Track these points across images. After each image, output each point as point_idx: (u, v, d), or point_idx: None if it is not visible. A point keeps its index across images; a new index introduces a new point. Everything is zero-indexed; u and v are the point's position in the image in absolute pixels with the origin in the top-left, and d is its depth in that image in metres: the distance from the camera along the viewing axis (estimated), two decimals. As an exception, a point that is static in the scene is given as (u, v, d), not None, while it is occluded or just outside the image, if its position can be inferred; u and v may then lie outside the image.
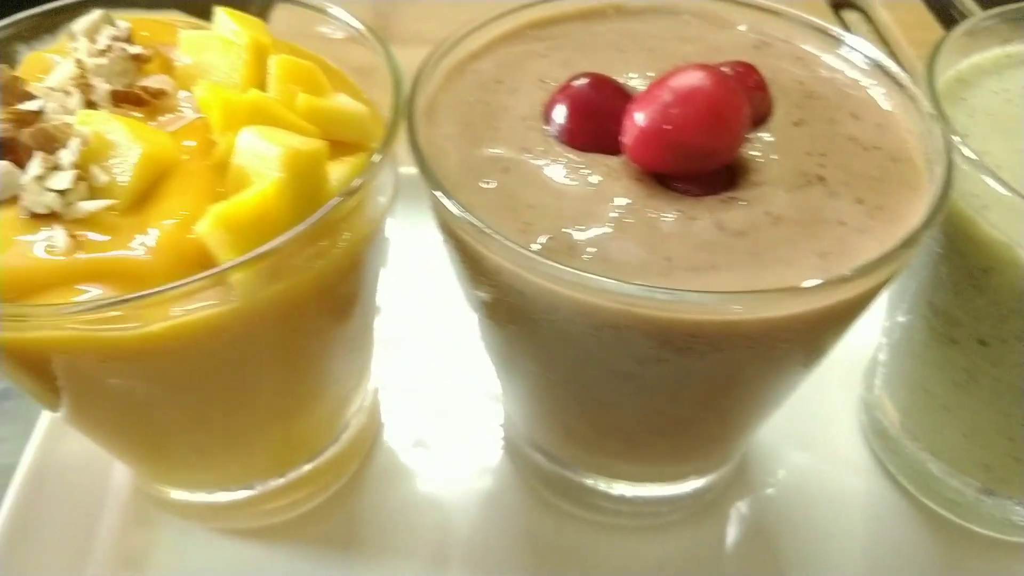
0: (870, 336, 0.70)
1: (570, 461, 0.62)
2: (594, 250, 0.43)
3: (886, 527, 0.67)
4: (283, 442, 0.60)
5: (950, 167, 0.46)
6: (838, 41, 0.57)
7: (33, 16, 0.57)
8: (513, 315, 0.47)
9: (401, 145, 0.49)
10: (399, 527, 0.66)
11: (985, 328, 0.52)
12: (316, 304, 0.49)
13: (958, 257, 0.52)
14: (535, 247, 0.43)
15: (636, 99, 0.47)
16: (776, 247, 0.44)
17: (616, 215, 0.45)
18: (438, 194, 0.44)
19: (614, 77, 0.54)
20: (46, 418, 0.68)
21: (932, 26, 1.17)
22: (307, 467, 0.64)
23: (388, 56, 0.53)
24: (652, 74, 0.54)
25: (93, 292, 0.41)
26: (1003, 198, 0.48)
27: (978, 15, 0.60)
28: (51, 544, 0.62)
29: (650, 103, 0.46)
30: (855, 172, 0.48)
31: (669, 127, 0.45)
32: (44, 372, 0.46)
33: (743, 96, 0.46)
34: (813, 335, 0.45)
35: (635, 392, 0.48)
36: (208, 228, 0.41)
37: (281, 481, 0.63)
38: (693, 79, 0.45)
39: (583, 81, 0.51)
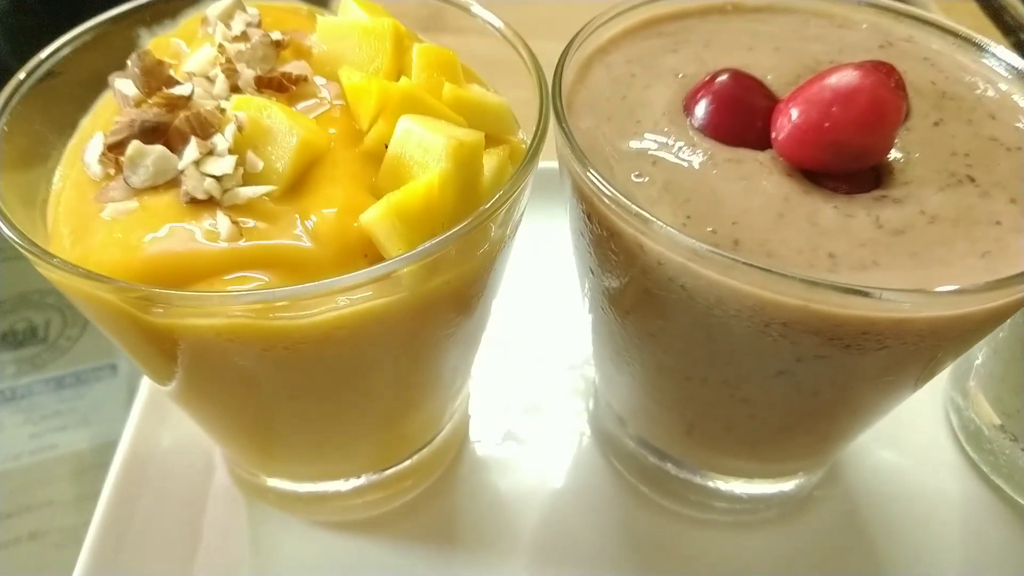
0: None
1: (679, 457, 0.62)
2: (758, 245, 0.43)
3: (981, 526, 0.67)
4: (389, 438, 0.59)
5: (1104, 170, 0.46)
6: (967, 41, 0.57)
7: (155, 1, 0.56)
8: (659, 310, 0.46)
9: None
10: (495, 520, 0.66)
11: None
12: (456, 300, 0.49)
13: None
14: (700, 240, 0.43)
15: (792, 95, 0.47)
16: (934, 246, 0.44)
17: (776, 210, 0.45)
18: (597, 181, 0.43)
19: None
20: (140, 403, 0.67)
21: (989, 29, 1.17)
22: (407, 462, 0.63)
23: (526, 49, 0.53)
24: (783, 72, 0.54)
25: (257, 279, 0.41)
26: None
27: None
28: (149, 533, 0.61)
29: (808, 100, 0.45)
30: (1003, 172, 0.48)
31: (828, 124, 0.44)
32: (186, 354, 0.45)
33: (901, 96, 0.46)
34: (973, 333, 0.45)
35: (781, 389, 0.48)
36: (379, 218, 0.41)
37: (381, 475, 0.63)
38: (852, 78, 0.45)
39: (726, 76, 0.50)
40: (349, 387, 0.50)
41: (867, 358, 0.43)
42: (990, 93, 0.55)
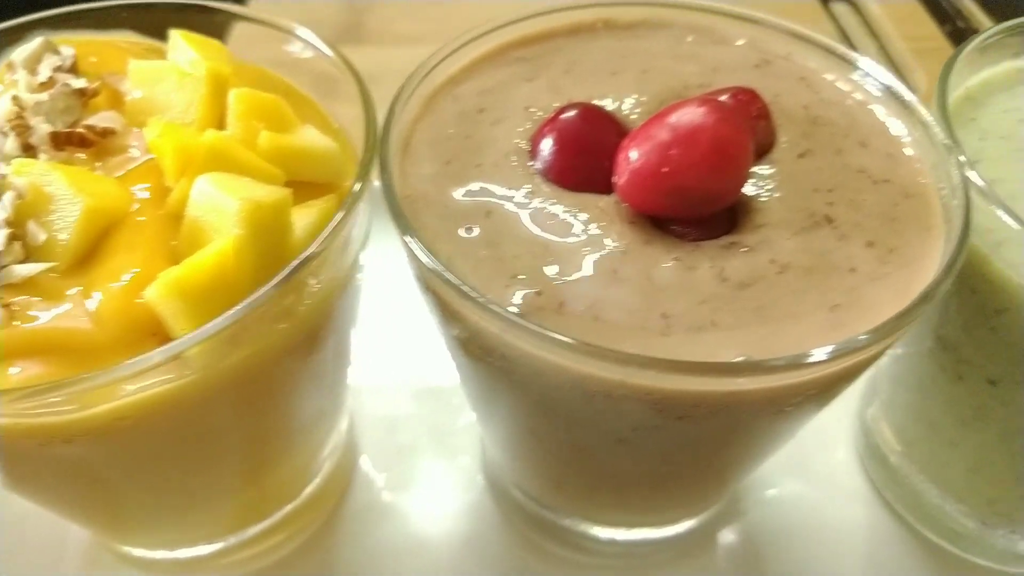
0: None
1: (557, 507, 0.59)
2: (586, 308, 0.39)
3: (883, 558, 0.65)
4: (252, 497, 0.56)
5: (968, 206, 0.43)
6: (843, 59, 0.53)
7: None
8: (496, 375, 0.43)
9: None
10: (378, 570, 0.63)
11: (997, 369, 0.49)
12: (284, 363, 0.45)
13: (971, 295, 0.49)
14: (520, 306, 0.39)
15: (630, 136, 0.43)
16: (783, 300, 0.40)
17: (610, 265, 0.41)
18: (414, 246, 0.40)
19: (606, 103, 0.50)
20: None
21: (925, 20, 1.13)
22: (277, 516, 0.60)
23: (360, 87, 0.49)
24: (646, 99, 0.50)
25: (31, 370, 0.37)
26: (1018, 234, 0.44)
27: (989, 29, 0.56)
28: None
29: (646, 142, 0.42)
30: (865, 210, 0.45)
31: (667, 169, 0.41)
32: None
33: (748, 134, 0.42)
34: (823, 394, 0.41)
35: (629, 454, 0.44)
36: (158, 296, 0.37)
37: (250, 532, 0.60)
38: (694, 116, 0.41)
39: (572, 112, 0.47)
40: (177, 466, 0.47)
41: (707, 426, 0.40)
42: (864, 116, 0.51)
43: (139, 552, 0.58)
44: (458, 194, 0.45)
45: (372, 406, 0.72)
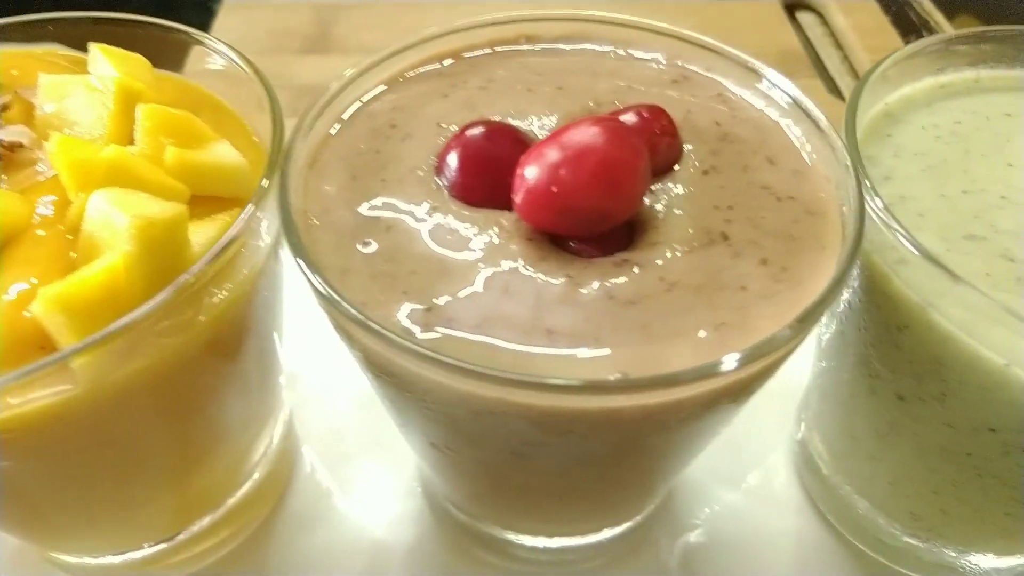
0: (807, 368, 0.67)
1: (480, 516, 0.59)
2: (475, 325, 0.40)
3: (816, 569, 0.65)
4: (175, 503, 0.56)
5: (861, 228, 0.43)
6: (759, 75, 0.54)
7: None
8: (393, 391, 0.43)
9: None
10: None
11: (904, 384, 0.50)
12: (191, 373, 0.46)
13: (876, 312, 0.49)
14: (408, 323, 0.40)
15: (526, 154, 0.43)
16: (668, 317, 0.41)
17: (502, 282, 0.42)
18: (301, 264, 0.40)
19: (520, 120, 0.51)
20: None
21: (890, 31, 1.14)
22: (205, 521, 0.61)
23: (271, 100, 0.49)
24: (558, 116, 0.51)
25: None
26: (914, 254, 0.44)
27: (910, 46, 0.57)
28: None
29: (538, 160, 0.42)
30: (765, 228, 0.45)
31: (556, 189, 0.41)
32: None
33: (641, 154, 0.43)
34: (708, 412, 0.42)
35: (528, 468, 0.45)
36: (42, 310, 0.37)
37: (180, 538, 0.60)
38: (585, 136, 0.42)
39: (478, 129, 0.47)
40: (84, 475, 0.47)
41: (594, 442, 0.41)
42: (776, 133, 0.51)
43: (66, 558, 0.59)
44: (361, 209, 0.46)
45: (314, 413, 0.73)
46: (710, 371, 0.36)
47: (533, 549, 0.61)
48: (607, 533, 0.61)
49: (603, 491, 0.51)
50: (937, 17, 1.16)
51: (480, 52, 0.56)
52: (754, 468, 0.70)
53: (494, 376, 0.35)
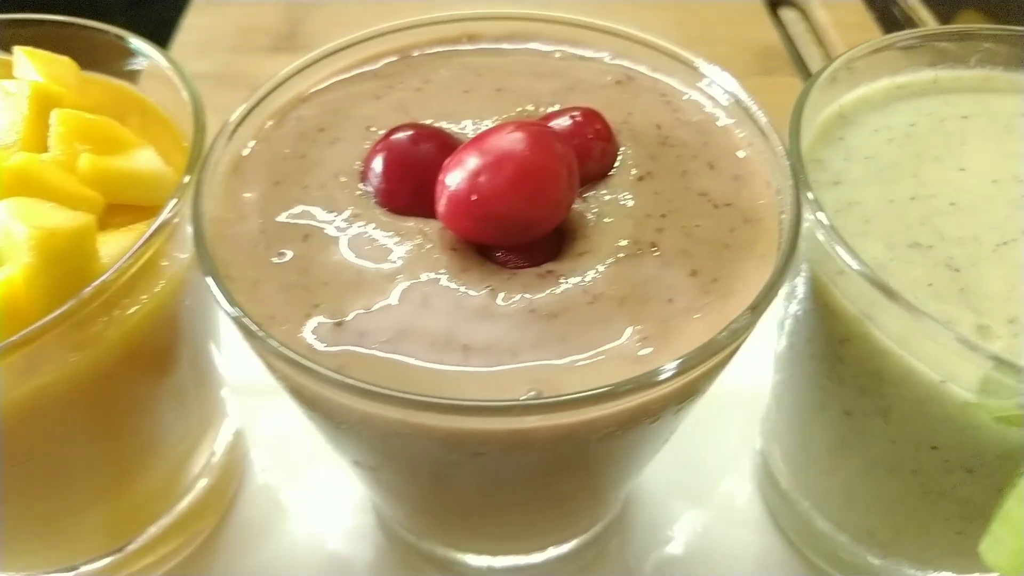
0: (767, 380, 0.66)
1: (420, 534, 0.58)
2: (387, 339, 0.38)
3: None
4: (112, 514, 0.55)
5: (795, 237, 0.41)
6: (702, 76, 0.52)
7: None
8: (306, 409, 0.42)
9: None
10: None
11: (849, 399, 0.48)
12: (108, 386, 0.45)
13: (820, 324, 0.48)
14: (313, 338, 0.38)
15: (448, 160, 0.42)
16: (590, 331, 0.39)
17: (420, 294, 0.40)
18: (209, 281, 0.39)
19: (454, 124, 0.49)
20: None
21: (873, 28, 1.11)
22: (152, 531, 0.59)
23: (194, 104, 0.48)
24: (493, 119, 0.49)
25: None
26: (851, 267, 0.42)
27: (865, 44, 0.55)
28: None
29: (459, 167, 0.41)
30: (698, 236, 0.44)
31: (476, 197, 0.40)
32: None
33: (565, 160, 0.41)
34: (630, 430, 0.40)
35: (451, 488, 0.43)
36: (-65, 325, 0.36)
37: (128, 549, 0.59)
38: (506, 142, 0.40)
39: (404, 133, 0.46)
40: (8, 482, 0.46)
41: (510, 461, 0.39)
42: (719, 136, 0.50)
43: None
44: (280, 217, 0.44)
45: (265, 423, 0.71)
46: (618, 391, 0.35)
47: (479, 569, 0.60)
48: (554, 551, 0.59)
49: (539, 510, 0.50)
50: (922, 13, 1.14)
51: (420, 52, 0.55)
52: (716, 482, 0.68)
53: (390, 396, 0.33)
